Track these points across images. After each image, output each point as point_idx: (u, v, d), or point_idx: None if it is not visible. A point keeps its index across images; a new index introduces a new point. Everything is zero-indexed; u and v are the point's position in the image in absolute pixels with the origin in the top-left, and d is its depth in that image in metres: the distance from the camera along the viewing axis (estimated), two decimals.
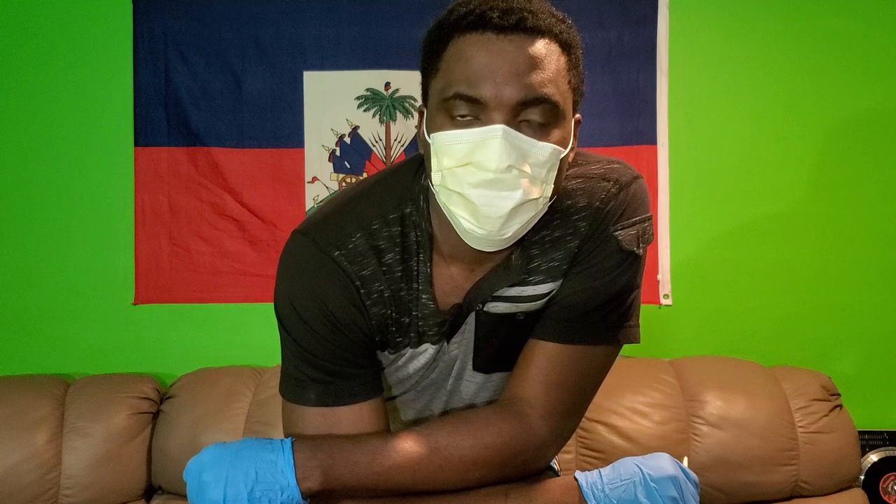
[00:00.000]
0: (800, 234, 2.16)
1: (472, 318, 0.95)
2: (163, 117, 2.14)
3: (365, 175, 2.16)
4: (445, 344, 0.96)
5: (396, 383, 1.02)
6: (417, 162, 0.95)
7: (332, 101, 2.15)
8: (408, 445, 0.88)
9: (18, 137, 2.14)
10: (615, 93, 2.14)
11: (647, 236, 0.95)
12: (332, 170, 2.16)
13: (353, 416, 0.91)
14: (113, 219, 2.14)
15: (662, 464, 0.91)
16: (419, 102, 0.92)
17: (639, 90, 2.15)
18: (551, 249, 0.93)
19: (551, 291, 0.94)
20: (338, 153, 2.17)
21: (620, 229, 0.92)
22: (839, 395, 1.97)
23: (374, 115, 2.16)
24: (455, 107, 0.81)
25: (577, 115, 0.89)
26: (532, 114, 0.81)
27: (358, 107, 2.16)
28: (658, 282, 2.15)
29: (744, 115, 2.16)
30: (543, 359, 0.93)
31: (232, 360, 2.10)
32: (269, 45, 2.14)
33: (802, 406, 1.90)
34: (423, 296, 0.92)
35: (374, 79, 2.15)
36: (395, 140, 2.17)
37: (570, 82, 0.85)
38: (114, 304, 2.15)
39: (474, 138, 0.80)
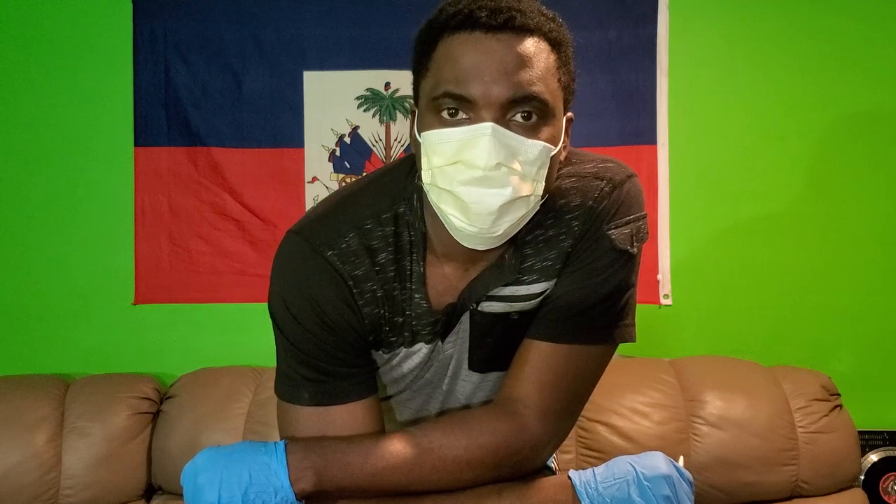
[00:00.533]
0: (800, 234, 2.16)
1: (466, 318, 0.95)
2: (163, 117, 2.14)
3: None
4: (440, 343, 0.96)
5: (391, 383, 1.02)
6: (411, 161, 0.95)
7: (332, 101, 2.15)
8: (402, 446, 0.88)
9: (18, 137, 2.14)
10: (615, 93, 2.14)
11: (642, 235, 0.94)
12: (332, 170, 2.16)
13: (347, 416, 0.91)
14: (113, 219, 2.15)
15: (656, 462, 0.91)
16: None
17: (638, 90, 2.15)
18: (545, 249, 0.93)
19: (545, 291, 0.94)
20: (338, 153, 2.17)
21: (614, 228, 0.92)
22: (839, 395, 1.97)
23: (374, 115, 2.16)
24: (444, 105, 0.82)
25: (569, 114, 0.89)
26: (521, 112, 0.81)
27: (358, 107, 2.16)
28: (658, 282, 2.15)
29: (744, 115, 2.16)
30: (538, 358, 0.93)
31: (232, 360, 2.10)
32: (269, 45, 2.14)
33: (802, 406, 1.90)
34: (416, 295, 0.92)
35: (374, 79, 2.15)
36: (395, 140, 2.17)
37: (559, 80, 0.85)
38: (114, 304, 2.15)
39: (463, 137, 0.80)
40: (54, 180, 2.14)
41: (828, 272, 2.16)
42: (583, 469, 0.93)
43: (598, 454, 1.86)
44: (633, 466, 0.90)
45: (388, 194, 0.93)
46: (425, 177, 0.85)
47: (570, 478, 0.92)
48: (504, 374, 0.98)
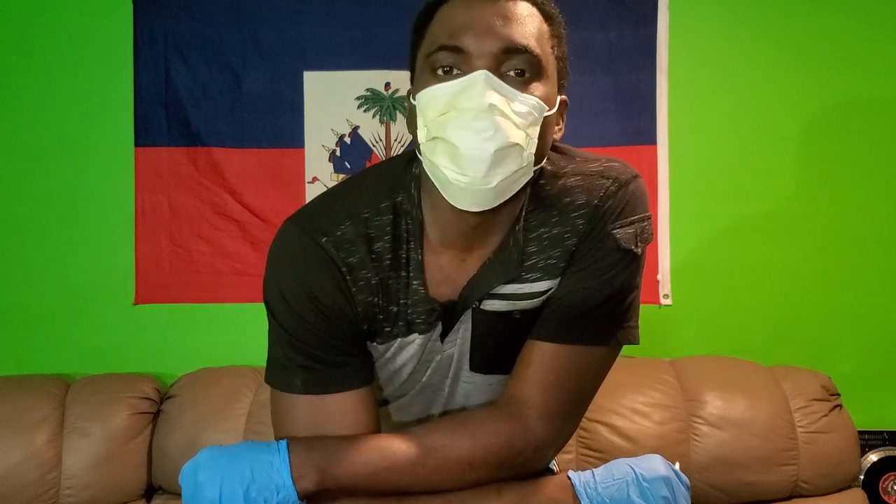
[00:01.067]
0: (800, 234, 2.16)
1: (468, 317, 0.95)
2: (163, 117, 2.14)
3: None
4: (439, 342, 0.96)
5: (387, 381, 1.01)
6: (410, 153, 0.95)
7: (332, 101, 2.15)
8: (405, 446, 0.88)
9: (18, 137, 2.14)
10: (615, 93, 2.14)
11: (646, 235, 0.94)
12: (332, 170, 2.16)
13: (340, 406, 0.91)
14: (113, 219, 2.14)
15: (655, 465, 0.91)
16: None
17: (639, 90, 2.15)
18: (549, 247, 0.92)
19: (549, 289, 0.93)
20: (338, 153, 2.17)
21: (619, 227, 0.92)
22: (839, 395, 1.97)
23: (374, 116, 2.16)
24: (438, 61, 0.83)
25: (564, 97, 0.91)
26: (514, 65, 0.83)
27: (358, 107, 2.16)
28: (658, 282, 2.15)
29: (744, 115, 2.16)
30: (541, 359, 0.93)
31: (232, 360, 2.10)
32: (269, 45, 2.14)
33: (802, 406, 1.90)
34: (414, 282, 0.92)
35: (374, 79, 2.15)
36: (396, 140, 2.17)
37: (552, 49, 0.87)
38: (114, 304, 2.15)
39: (457, 87, 0.82)
40: (54, 180, 2.14)
41: (828, 272, 2.16)
42: (582, 470, 0.94)
43: (598, 454, 1.86)
44: (632, 468, 0.91)
45: (387, 184, 0.94)
46: (420, 135, 0.86)
47: (569, 478, 0.92)
48: (506, 377, 0.98)
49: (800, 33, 2.14)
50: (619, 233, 0.92)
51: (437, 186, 0.86)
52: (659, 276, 2.15)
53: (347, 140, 2.16)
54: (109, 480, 1.88)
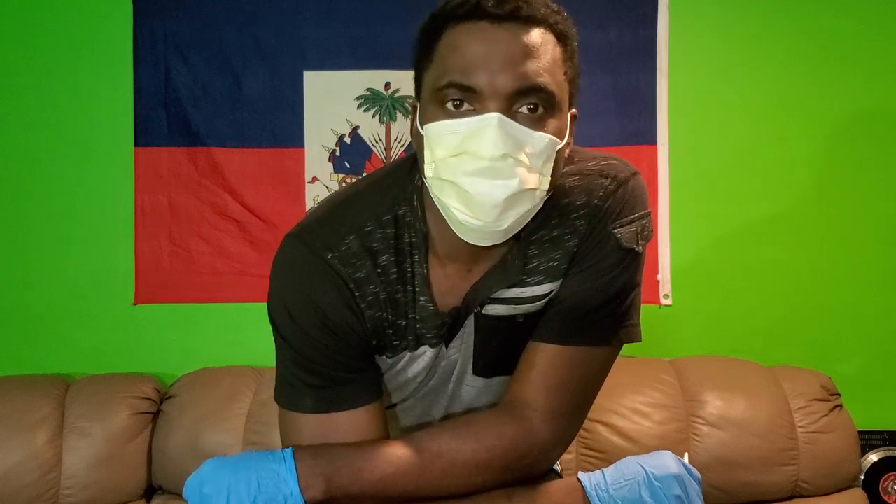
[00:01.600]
0: (800, 234, 2.16)
1: (470, 322, 0.94)
2: (163, 117, 2.13)
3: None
4: (444, 348, 0.95)
5: (396, 390, 1.01)
6: (411, 162, 0.93)
7: (332, 101, 2.15)
8: (410, 451, 0.87)
9: (18, 137, 2.14)
10: (615, 93, 2.14)
11: (647, 233, 0.94)
12: (332, 170, 2.16)
13: (350, 422, 0.90)
14: (113, 219, 2.14)
15: (666, 462, 0.90)
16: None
17: (639, 90, 2.14)
18: (550, 249, 0.92)
19: (551, 292, 0.93)
20: (338, 153, 2.16)
21: (619, 227, 0.91)
22: (839, 395, 1.96)
23: (374, 115, 2.16)
24: (449, 96, 0.80)
25: (574, 110, 0.88)
26: (527, 103, 0.79)
27: (358, 107, 2.16)
28: (658, 282, 2.15)
29: (744, 115, 2.16)
30: (544, 361, 0.92)
31: (232, 360, 2.10)
32: (269, 45, 2.13)
33: (802, 406, 1.90)
34: (421, 298, 0.91)
35: (374, 79, 2.15)
36: (395, 140, 2.17)
37: (566, 73, 0.83)
38: (114, 304, 2.14)
39: (469, 127, 0.79)
40: (55, 180, 2.14)
41: (828, 272, 2.16)
42: (586, 470, 0.93)
43: (598, 454, 1.86)
44: (643, 467, 0.89)
45: (389, 196, 0.92)
46: (427, 170, 0.83)
47: (579, 480, 0.91)
48: (508, 378, 0.97)
49: (800, 33, 2.14)
50: (620, 232, 0.91)
51: (446, 219, 0.85)
52: (659, 277, 2.15)
53: (347, 140, 2.16)
54: (109, 480, 1.88)
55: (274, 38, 2.13)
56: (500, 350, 0.96)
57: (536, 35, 0.80)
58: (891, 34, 2.14)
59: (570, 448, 1.88)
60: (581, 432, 1.88)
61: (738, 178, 2.16)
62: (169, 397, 1.99)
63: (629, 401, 1.90)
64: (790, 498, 1.88)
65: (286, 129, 2.15)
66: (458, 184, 0.80)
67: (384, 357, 0.95)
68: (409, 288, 0.91)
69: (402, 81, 2.14)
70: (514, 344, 0.95)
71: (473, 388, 1.01)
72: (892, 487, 2.00)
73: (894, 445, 2.04)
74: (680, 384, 1.94)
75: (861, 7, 2.13)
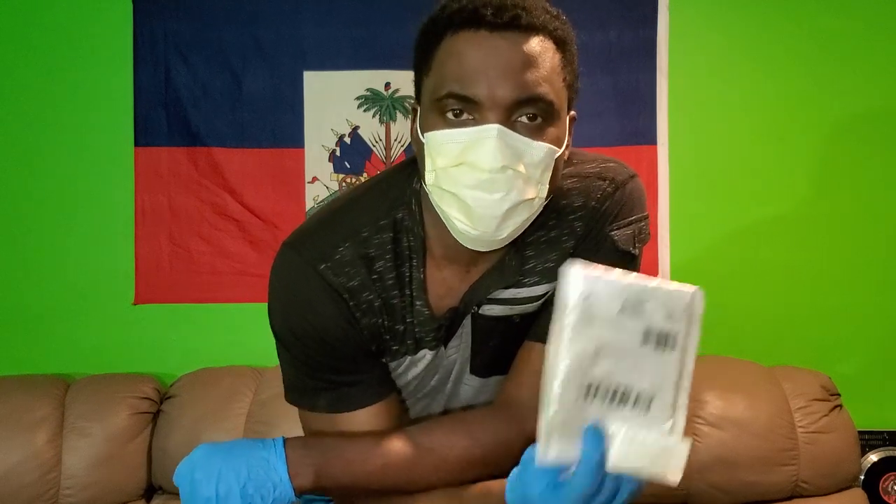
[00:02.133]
0: (800, 234, 2.16)
1: (468, 322, 0.94)
2: (163, 117, 2.13)
3: (365, 175, 2.16)
4: (443, 349, 0.96)
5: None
6: (409, 166, 0.93)
7: (332, 101, 2.15)
8: (402, 445, 0.88)
9: (18, 137, 2.14)
10: (615, 93, 2.14)
11: (644, 236, 0.94)
12: (332, 170, 2.16)
13: (367, 419, 0.92)
14: (113, 219, 2.14)
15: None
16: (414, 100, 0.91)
17: (639, 90, 2.14)
18: (547, 250, 0.92)
19: (547, 293, 0.93)
20: (338, 153, 2.16)
21: (616, 229, 0.92)
22: (839, 395, 1.96)
23: (374, 115, 2.16)
24: (448, 106, 0.80)
25: (573, 113, 0.88)
26: (527, 113, 0.80)
27: (358, 107, 2.15)
28: None
29: (744, 115, 2.16)
30: (538, 360, 0.92)
31: (232, 360, 2.10)
32: (269, 45, 2.13)
33: (802, 406, 1.90)
34: (418, 302, 0.91)
35: (374, 79, 2.15)
36: (395, 140, 2.17)
37: (564, 80, 0.83)
38: (114, 304, 2.14)
39: (468, 138, 0.79)
40: (55, 180, 2.14)
41: (828, 272, 2.16)
42: None
43: None
44: None
45: (386, 200, 0.92)
46: (428, 178, 0.84)
47: None
48: (504, 377, 0.98)
49: (800, 33, 2.14)
50: (617, 234, 0.91)
51: (445, 224, 0.85)
52: (659, 277, 2.15)
53: (347, 140, 2.16)
54: (109, 480, 1.88)
55: (274, 37, 2.13)
56: (498, 350, 0.97)
57: (535, 43, 0.80)
58: (891, 34, 2.14)
59: None
60: None
61: (738, 178, 2.16)
62: (169, 397, 2.00)
63: None
64: (790, 498, 1.88)
65: (286, 129, 2.15)
66: (459, 195, 0.80)
67: (385, 360, 0.96)
68: (407, 292, 0.91)
69: (402, 81, 2.14)
70: (512, 344, 0.96)
71: (471, 387, 1.01)
72: (892, 487, 2.00)
73: (894, 445, 2.04)
74: None
75: (861, 7, 2.13)
